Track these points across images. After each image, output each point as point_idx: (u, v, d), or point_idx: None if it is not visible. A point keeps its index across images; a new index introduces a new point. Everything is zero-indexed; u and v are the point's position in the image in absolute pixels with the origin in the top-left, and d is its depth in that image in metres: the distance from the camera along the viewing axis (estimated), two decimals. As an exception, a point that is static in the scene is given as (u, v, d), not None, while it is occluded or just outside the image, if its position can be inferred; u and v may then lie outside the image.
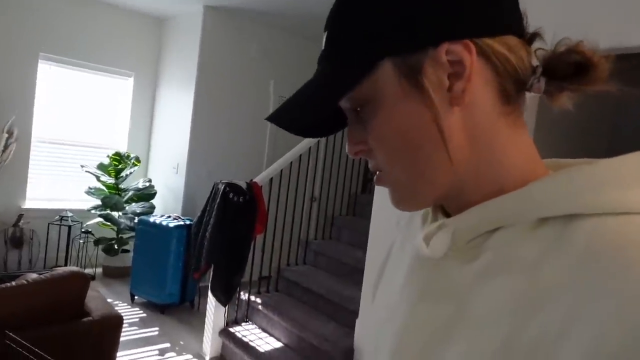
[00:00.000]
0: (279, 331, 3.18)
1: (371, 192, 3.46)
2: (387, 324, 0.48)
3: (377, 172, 0.46)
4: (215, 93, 4.56)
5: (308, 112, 0.44)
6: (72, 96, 4.62)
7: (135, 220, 4.18)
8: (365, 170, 4.48)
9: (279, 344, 3.13)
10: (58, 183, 4.66)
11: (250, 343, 3.09)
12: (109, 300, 2.78)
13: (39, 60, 4.32)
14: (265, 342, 3.14)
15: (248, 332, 3.25)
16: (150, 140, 5.11)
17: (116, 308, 2.21)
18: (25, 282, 1.88)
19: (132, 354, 3.11)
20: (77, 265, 4.41)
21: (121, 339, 2.15)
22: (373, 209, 2.67)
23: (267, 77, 4.85)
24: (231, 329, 3.26)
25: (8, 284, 1.86)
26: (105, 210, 4.38)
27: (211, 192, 3.15)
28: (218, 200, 3.01)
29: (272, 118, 0.44)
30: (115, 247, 4.49)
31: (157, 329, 3.56)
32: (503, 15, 0.41)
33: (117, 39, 4.74)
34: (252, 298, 3.40)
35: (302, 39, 4.94)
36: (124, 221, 4.36)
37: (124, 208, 4.44)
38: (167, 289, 3.81)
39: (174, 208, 4.60)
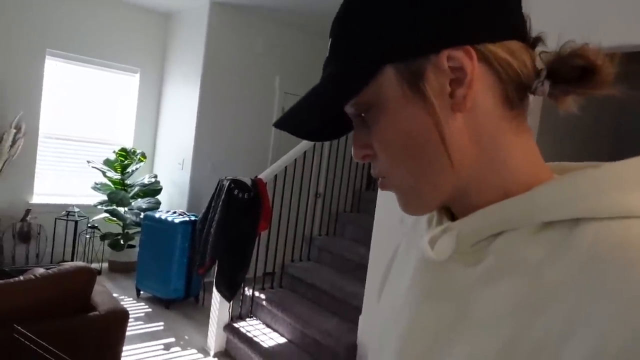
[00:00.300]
0: (283, 326, 3.19)
1: (375, 189, 3.46)
2: (391, 325, 0.49)
3: (381, 179, 0.47)
4: (221, 89, 4.57)
5: (314, 115, 0.44)
6: (79, 92, 4.65)
7: (141, 216, 4.21)
8: (370, 167, 4.47)
9: (282, 340, 3.15)
10: (65, 178, 4.69)
11: (255, 338, 3.11)
12: (114, 295, 2.80)
13: (46, 57, 4.34)
14: (269, 338, 3.16)
15: (252, 327, 3.27)
16: (156, 136, 5.13)
17: (122, 303, 2.23)
18: (32, 276, 1.90)
19: (137, 349, 3.13)
20: (83, 260, 4.45)
21: (127, 333, 2.17)
22: (377, 205, 2.67)
23: (272, 73, 4.85)
24: (235, 324, 3.28)
25: (16, 279, 1.88)
26: (111, 205, 4.41)
27: (216, 188, 3.17)
28: (223, 196, 3.02)
29: (279, 124, 0.45)
30: (121, 242, 4.52)
31: (162, 323, 3.59)
32: (505, 20, 0.41)
33: (124, 35, 4.76)
34: (257, 294, 3.42)
35: (308, 35, 4.94)
36: (129, 216, 4.39)
37: (129, 203, 4.47)
38: (172, 284, 3.83)
39: (180, 204, 4.62)
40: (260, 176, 3.21)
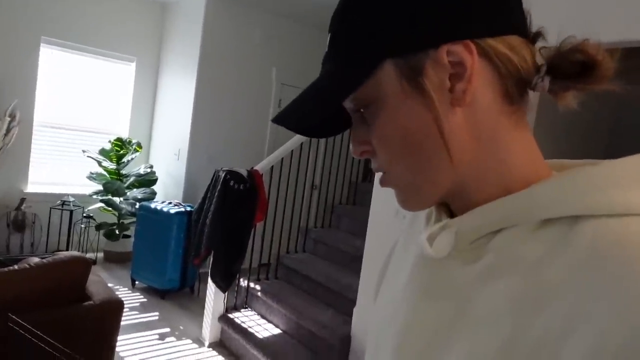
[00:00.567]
0: (278, 318, 3.21)
1: (371, 181, 3.46)
2: (389, 322, 0.49)
3: (382, 174, 0.46)
4: (218, 79, 4.55)
5: (314, 111, 0.44)
6: (75, 81, 4.61)
7: (137, 206, 4.20)
8: (366, 159, 4.48)
9: (277, 331, 3.16)
10: (60, 168, 4.67)
11: (249, 329, 3.13)
12: (109, 284, 2.80)
13: (41, 44, 4.30)
14: (263, 329, 3.17)
15: (247, 318, 3.29)
16: (152, 126, 5.10)
17: (117, 293, 2.23)
18: (27, 266, 1.90)
19: (132, 338, 3.14)
20: (78, 250, 4.44)
21: (121, 323, 2.17)
22: (373, 197, 2.68)
23: (269, 64, 4.82)
24: (230, 315, 3.29)
25: (11, 268, 1.87)
26: (106, 195, 4.39)
27: (212, 179, 3.16)
28: (219, 187, 3.02)
29: (277, 120, 0.45)
30: (117, 232, 4.51)
31: (157, 313, 3.60)
32: (505, 15, 0.41)
33: (120, 23, 4.71)
34: (252, 285, 3.43)
35: (305, 26, 4.91)
36: (125, 207, 4.38)
37: (125, 194, 4.45)
38: (168, 274, 3.84)
39: (175, 194, 4.61)
40: (256, 167, 3.21)
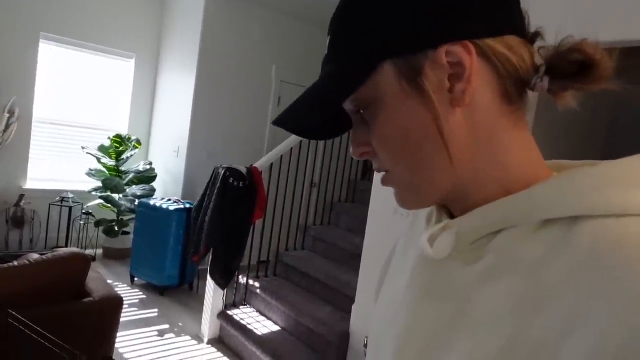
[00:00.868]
0: (276, 314, 3.21)
1: (370, 179, 3.47)
2: (389, 323, 0.49)
3: (384, 173, 0.47)
4: (217, 76, 4.54)
5: (314, 112, 0.44)
6: (73, 77, 4.60)
7: (136, 203, 4.20)
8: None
9: (276, 327, 3.17)
10: (59, 164, 4.66)
11: (248, 326, 3.13)
12: (109, 281, 2.81)
13: (40, 40, 4.28)
14: (262, 325, 3.18)
15: (246, 315, 3.29)
16: (151, 123, 5.10)
17: (116, 289, 2.24)
18: (27, 262, 1.90)
19: (131, 335, 3.15)
20: (77, 246, 4.45)
21: (121, 319, 2.18)
22: (371, 195, 2.68)
23: (269, 61, 4.82)
24: (229, 312, 3.29)
25: (10, 264, 1.87)
26: (105, 192, 4.39)
27: (211, 176, 3.16)
28: (218, 184, 3.02)
29: (278, 122, 0.45)
30: (116, 228, 4.51)
31: (156, 310, 3.60)
32: (503, 15, 0.41)
33: (119, 19, 4.70)
34: (251, 282, 3.43)
35: (305, 23, 4.90)
36: (124, 203, 4.38)
37: (124, 190, 4.45)
38: (167, 271, 3.84)
39: (174, 191, 4.61)
40: (255, 165, 3.21)
